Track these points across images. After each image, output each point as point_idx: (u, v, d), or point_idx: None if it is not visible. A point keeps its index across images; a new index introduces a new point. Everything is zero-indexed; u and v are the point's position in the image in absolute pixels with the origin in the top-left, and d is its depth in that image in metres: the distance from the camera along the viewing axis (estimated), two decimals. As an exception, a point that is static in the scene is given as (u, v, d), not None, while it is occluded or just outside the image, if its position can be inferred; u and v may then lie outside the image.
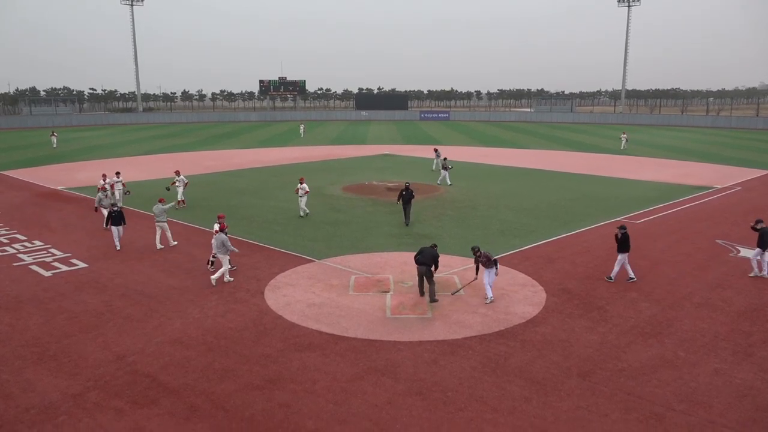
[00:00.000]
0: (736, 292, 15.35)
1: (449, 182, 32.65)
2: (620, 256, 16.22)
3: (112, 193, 26.24)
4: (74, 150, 53.51)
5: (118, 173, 27.60)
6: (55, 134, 59.29)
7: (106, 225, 20.48)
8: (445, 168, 33.12)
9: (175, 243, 20.03)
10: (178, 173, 26.87)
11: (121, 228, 19.70)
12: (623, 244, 16.12)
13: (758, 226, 16.79)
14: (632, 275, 16.28)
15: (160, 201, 20.00)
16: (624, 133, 56.73)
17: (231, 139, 66.35)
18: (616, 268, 16.29)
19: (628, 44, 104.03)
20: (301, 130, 70.26)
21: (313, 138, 67.46)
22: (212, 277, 16.03)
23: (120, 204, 24.74)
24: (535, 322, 13.42)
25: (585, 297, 15.03)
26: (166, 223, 19.79)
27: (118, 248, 19.48)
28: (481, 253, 14.62)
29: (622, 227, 16.34)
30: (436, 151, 40.13)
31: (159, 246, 19.62)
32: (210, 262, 17.26)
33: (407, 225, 22.56)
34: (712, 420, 9.48)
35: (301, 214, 24.24)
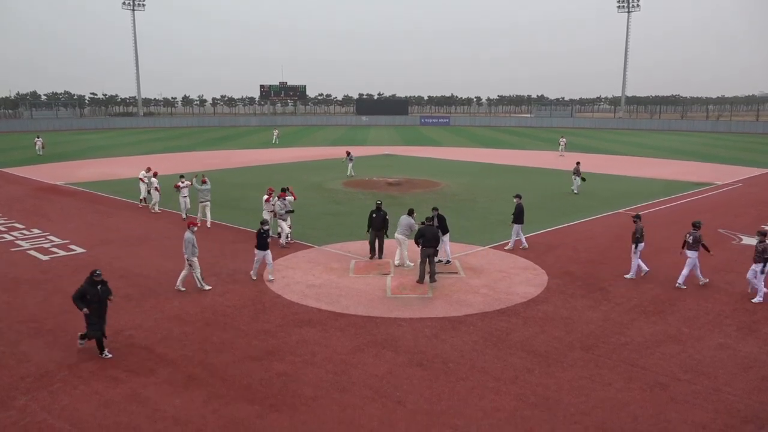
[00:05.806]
0: (739, 275, 15.20)
1: (575, 191, 28.81)
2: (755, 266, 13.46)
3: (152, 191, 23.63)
4: (75, 150, 53.32)
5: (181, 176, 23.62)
6: (40, 138, 49.04)
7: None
8: (577, 173, 28.93)
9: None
10: (148, 170, 24.89)
11: (269, 253, 14.65)
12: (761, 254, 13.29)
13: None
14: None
15: (282, 194, 19.28)
16: (562, 138, 51.68)
17: (231, 141, 66.32)
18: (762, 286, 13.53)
19: (628, 51, 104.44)
20: (275, 137, 62.92)
21: (313, 140, 67.49)
22: (395, 262, 16.04)
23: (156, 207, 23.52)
24: (536, 301, 13.30)
25: (587, 279, 14.92)
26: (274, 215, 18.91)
27: (269, 280, 14.67)
28: (437, 214, 15.89)
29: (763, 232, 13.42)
30: (348, 154, 36.40)
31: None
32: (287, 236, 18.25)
33: (371, 258, 16.70)
34: (718, 389, 9.34)
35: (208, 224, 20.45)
